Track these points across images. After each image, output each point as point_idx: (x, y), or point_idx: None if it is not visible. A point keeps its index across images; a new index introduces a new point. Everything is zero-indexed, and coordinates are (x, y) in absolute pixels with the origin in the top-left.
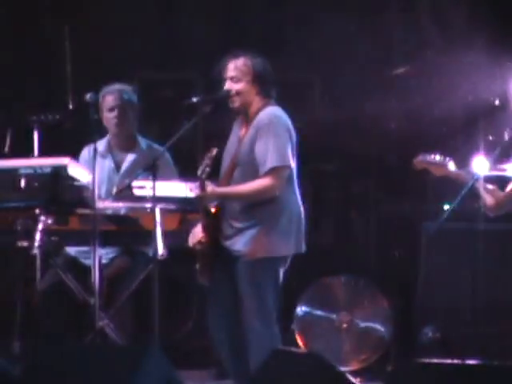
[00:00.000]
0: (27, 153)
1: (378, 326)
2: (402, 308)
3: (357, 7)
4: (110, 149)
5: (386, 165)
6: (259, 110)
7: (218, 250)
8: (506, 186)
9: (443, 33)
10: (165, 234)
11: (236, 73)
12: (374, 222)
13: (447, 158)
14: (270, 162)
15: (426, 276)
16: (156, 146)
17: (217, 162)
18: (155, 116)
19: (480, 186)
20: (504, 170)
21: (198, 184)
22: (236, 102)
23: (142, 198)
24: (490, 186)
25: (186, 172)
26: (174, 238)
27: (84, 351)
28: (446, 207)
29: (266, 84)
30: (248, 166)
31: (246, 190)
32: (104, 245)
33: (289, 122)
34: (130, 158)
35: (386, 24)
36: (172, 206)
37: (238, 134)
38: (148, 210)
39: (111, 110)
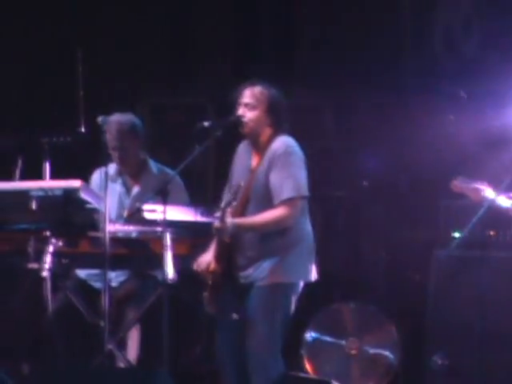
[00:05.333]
0: (38, 175)
1: (387, 353)
2: (411, 335)
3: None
4: (120, 172)
5: (397, 191)
6: (270, 139)
7: (228, 279)
8: None
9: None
10: (175, 258)
11: (252, 100)
12: (384, 248)
13: (485, 183)
14: (286, 192)
15: (435, 303)
16: (168, 170)
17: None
18: (167, 140)
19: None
20: None
21: (219, 215)
22: (247, 128)
23: (153, 222)
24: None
25: (197, 196)
26: (184, 263)
27: (92, 374)
28: (457, 235)
29: (279, 116)
30: (263, 198)
31: (262, 220)
32: (114, 268)
33: (301, 152)
34: (140, 182)
35: (399, 49)
36: (182, 231)
37: (248, 162)
38: (158, 234)
39: (113, 149)
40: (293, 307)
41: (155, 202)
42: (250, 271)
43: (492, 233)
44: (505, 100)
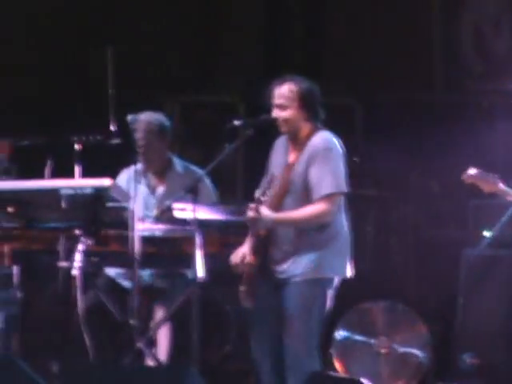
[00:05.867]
0: (69, 174)
1: (417, 352)
2: (441, 334)
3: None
4: (144, 173)
5: (426, 190)
6: (310, 134)
7: (264, 273)
8: None
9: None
10: (205, 257)
11: (282, 100)
12: (413, 247)
13: (497, 175)
14: (326, 188)
15: (464, 302)
16: (194, 167)
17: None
18: (196, 139)
19: None
20: None
21: (254, 206)
22: (284, 128)
23: (183, 221)
24: None
25: (226, 195)
26: (215, 261)
27: (122, 372)
28: (486, 233)
29: (313, 108)
30: (301, 193)
31: (301, 216)
32: (144, 267)
33: (341, 148)
34: (165, 181)
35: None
36: (213, 229)
37: (285, 157)
38: (188, 233)
39: (140, 147)
40: (330, 303)
41: (185, 200)
42: (285, 266)
43: None
44: None
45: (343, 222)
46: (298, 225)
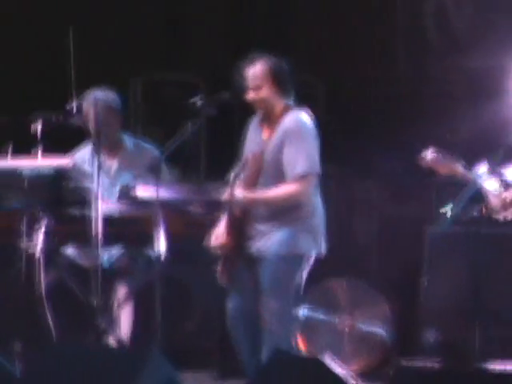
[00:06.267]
0: (30, 153)
1: (380, 330)
2: (404, 311)
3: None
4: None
5: (389, 167)
6: (283, 113)
7: (240, 252)
8: (506, 190)
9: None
10: (168, 236)
11: (255, 81)
12: (376, 224)
13: (455, 157)
14: (301, 168)
15: (428, 279)
16: (146, 145)
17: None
18: (159, 117)
19: (485, 186)
20: (503, 174)
21: (228, 188)
22: (260, 107)
23: (145, 200)
24: (495, 188)
25: (189, 174)
26: (178, 240)
27: (85, 352)
28: (445, 210)
29: (285, 84)
30: (274, 171)
31: (275, 195)
32: (106, 246)
33: (314, 128)
34: (117, 159)
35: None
36: (175, 209)
37: (259, 136)
38: (150, 212)
39: (91, 125)
40: (304, 279)
41: (146, 179)
42: (260, 243)
43: (484, 209)
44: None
45: (317, 201)
46: (272, 204)
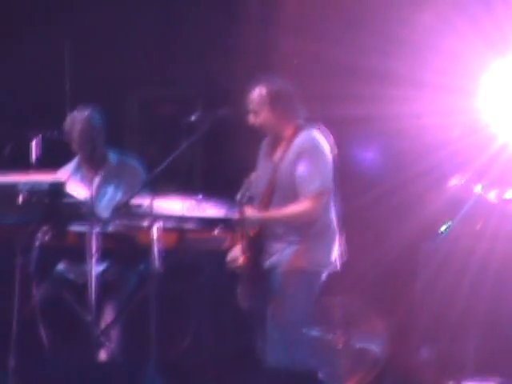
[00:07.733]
0: (25, 168)
1: (374, 347)
2: (398, 328)
3: None
4: (79, 167)
5: (384, 185)
6: (295, 133)
7: (258, 270)
8: None
9: None
10: (163, 251)
11: (253, 106)
12: (372, 242)
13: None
14: (313, 186)
15: (422, 297)
16: (129, 160)
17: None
18: (156, 134)
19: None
20: None
21: (237, 209)
22: (265, 131)
23: (140, 216)
24: None
25: (184, 190)
26: (172, 255)
27: (80, 367)
28: (444, 227)
29: (287, 107)
30: (287, 190)
31: (287, 213)
32: (101, 261)
33: (327, 145)
34: (98, 174)
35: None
36: (170, 224)
37: (270, 157)
38: (145, 227)
39: (80, 143)
40: (315, 295)
41: (141, 195)
42: (274, 258)
43: (479, 225)
44: None
45: (330, 217)
46: (283, 222)
